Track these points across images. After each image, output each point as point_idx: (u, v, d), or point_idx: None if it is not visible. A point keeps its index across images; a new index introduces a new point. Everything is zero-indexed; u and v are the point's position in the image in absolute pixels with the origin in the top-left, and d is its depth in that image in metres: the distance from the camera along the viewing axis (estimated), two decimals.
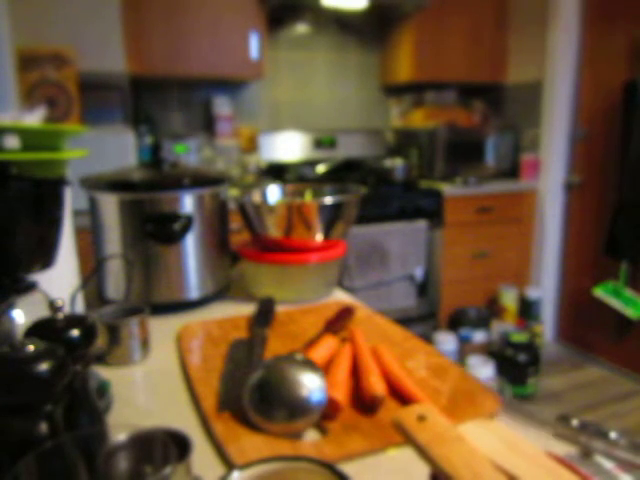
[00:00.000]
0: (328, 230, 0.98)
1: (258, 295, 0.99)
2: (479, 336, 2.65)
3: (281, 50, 2.87)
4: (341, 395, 0.59)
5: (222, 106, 2.71)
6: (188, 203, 0.93)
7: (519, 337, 2.49)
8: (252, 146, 2.80)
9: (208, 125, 2.75)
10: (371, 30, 3.03)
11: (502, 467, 0.34)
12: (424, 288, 2.67)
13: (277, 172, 2.74)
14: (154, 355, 0.79)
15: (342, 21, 2.94)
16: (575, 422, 0.47)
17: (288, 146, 2.85)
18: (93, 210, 0.96)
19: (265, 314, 0.86)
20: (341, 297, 1.04)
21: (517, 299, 2.86)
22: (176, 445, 0.39)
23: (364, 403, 0.61)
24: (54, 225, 0.66)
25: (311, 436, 0.56)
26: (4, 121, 0.65)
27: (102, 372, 0.67)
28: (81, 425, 0.47)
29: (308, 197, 1.15)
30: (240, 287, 1.08)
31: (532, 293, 2.85)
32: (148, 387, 0.71)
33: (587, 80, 2.75)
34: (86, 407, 0.49)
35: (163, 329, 0.87)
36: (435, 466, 0.33)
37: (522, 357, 2.42)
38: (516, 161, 2.98)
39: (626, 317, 2.53)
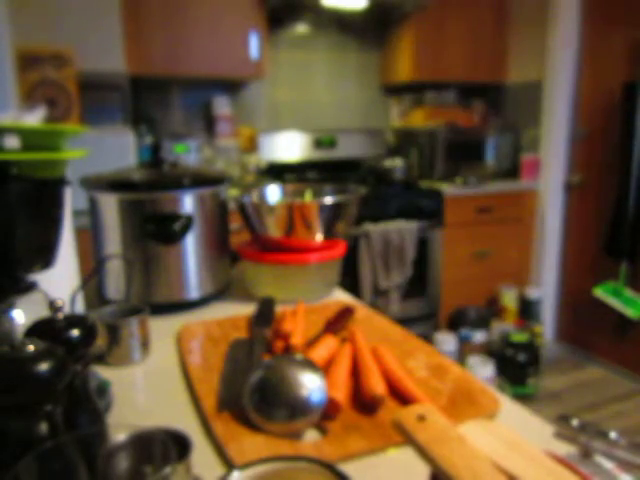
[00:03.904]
0: (328, 230, 0.98)
1: (258, 295, 0.99)
2: (479, 336, 2.65)
3: (281, 50, 2.87)
4: (341, 395, 0.59)
5: (222, 106, 2.71)
6: (188, 203, 0.93)
7: (519, 337, 2.49)
8: (252, 146, 2.80)
9: (208, 125, 2.75)
10: (371, 30, 3.03)
11: (502, 467, 0.34)
12: (423, 287, 2.67)
13: (277, 172, 2.74)
14: (154, 355, 0.79)
15: (342, 21, 2.94)
16: (575, 422, 0.47)
17: (288, 146, 2.85)
18: (93, 210, 0.96)
19: (265, 314, 0.86)
20: (341, 297, 1.04)
21: (517, 299, 2.86)
22: (176, 445, 0.39)
23: (364, 403, 0.61)
24: (54, 225, 0.66)
25: (311, 436, 0.56)
26: (4, 121, 0.65)
27: (102, 372, 0.67)
28: (81, 425, 0.47)
29: (308, 197, 1.15)
30: (240, 287, 1.08)
31: (532, 293, 2.85)
32: (148, 387, 0.71)
33: (587, 80, 2.75)
34: (86, 407, 0.49)
35: (163, 329, 0.87)
36: (435, 466, 0.33)
37: (522, 357, 2.42)
38: (516, 161, 2.98)
39: (626, 317, 2.54)
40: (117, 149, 2.07)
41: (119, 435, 0.40)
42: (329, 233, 0.99)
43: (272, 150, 2.81)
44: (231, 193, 1.07)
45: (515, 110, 3.07)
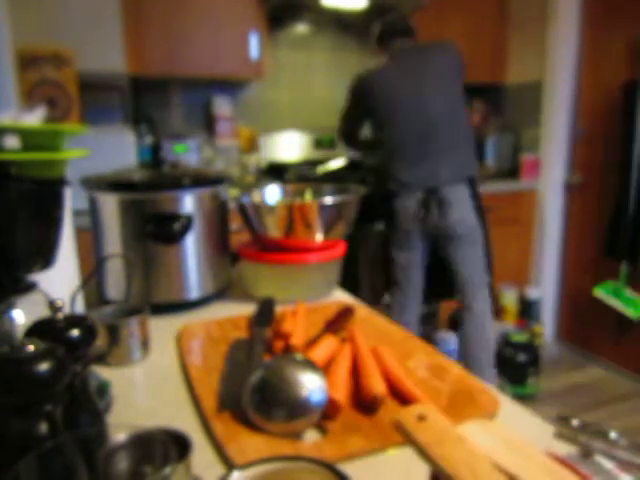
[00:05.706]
0: (328, 230, 0.98)
1: (258, 295, 0.99)
2: None
3: (281, 50, 2.87)
4: (341, 395, 0.59)
5: (222, 106, 2.71)
6: (188, 203, 0.93)
7: (519, 337, 2.49)
8: (252, 146, 2.80)
9: (208, 125, 2.75)
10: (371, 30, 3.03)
11: (502, 467, 0.34)
12: None
13: (277, 172, 2.74)
14: (154, 355, 0.79)
15: (342, 21, 2.94)
16: (575, 422, 0.47)
17: (288, 146, 2.85)
18: (93, 210, 0.96)
19: (265, 314, 0.86)
20: (341, 297, 1.04)
21: (517, 299, 2.86)
22: (176, 445, 0.39)
23: (364, 403, 0.61)
24: (54, 225, 0.66)
25: (311, 436, 0.56)
26: (4, 121, 0.65)
27: (102, 372, 0.67)
28: (81, 425, 0.47)
29: (308, 197, 1.15)
30: (240, 287, 1.08)
31: (532, 293, 2.85)
32: (148, 387, 0.71)
33: (587, 80, 2.75)
34: (86, 407, 0.50)
35: (163, 329, 0.87)
36: (435, 466, 0.33)
37: (522, 357, 2.42)
38: (516, 161, 2.98)
39: (626, 317, 2.53)
40: (117, 149, 2.07)
41: (119, 435, 0.40)
42: (329, 233, 0.99)
43: (272, 150, 2.81)
44: (231, 193, 1.07)
45: (515, 110, 3.07)
